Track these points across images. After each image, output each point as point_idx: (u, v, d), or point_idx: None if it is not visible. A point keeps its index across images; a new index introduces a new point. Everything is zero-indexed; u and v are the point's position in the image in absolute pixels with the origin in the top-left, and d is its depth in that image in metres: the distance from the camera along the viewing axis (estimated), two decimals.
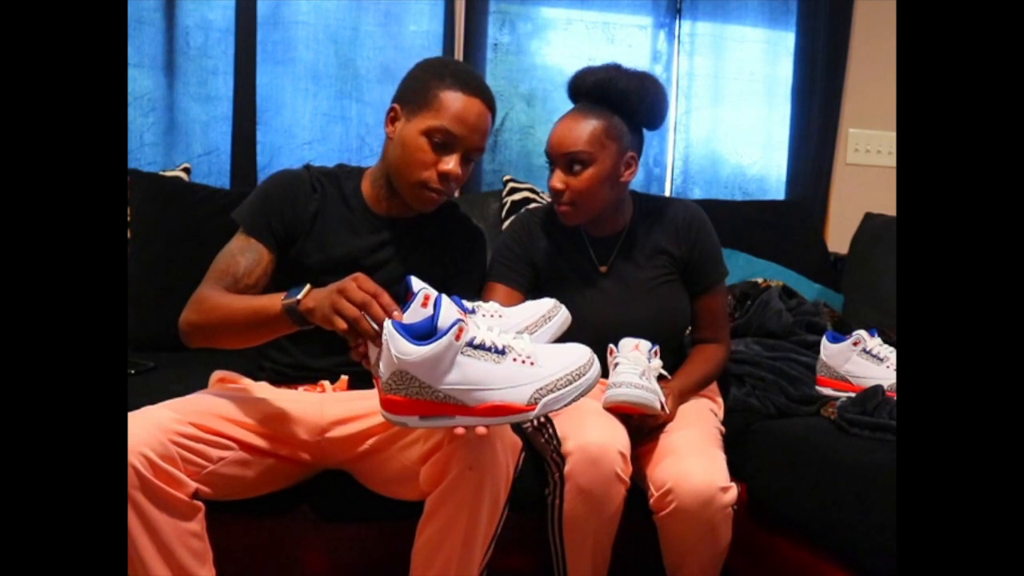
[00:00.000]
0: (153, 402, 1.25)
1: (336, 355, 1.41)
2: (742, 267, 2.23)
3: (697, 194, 2.65)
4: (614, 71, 1.50)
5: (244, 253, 1.38)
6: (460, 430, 1.05)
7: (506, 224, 2.16)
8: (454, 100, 1.34)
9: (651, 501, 1.36)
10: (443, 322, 1.02)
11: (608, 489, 1.32)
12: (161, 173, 2.08)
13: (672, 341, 1.62)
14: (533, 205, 2.13)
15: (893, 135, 2.71)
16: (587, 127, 1.47)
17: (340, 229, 1.43)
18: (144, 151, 2.29)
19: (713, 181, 2.67)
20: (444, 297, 1.07)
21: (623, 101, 1.48)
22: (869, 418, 1.46)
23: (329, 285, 1.12)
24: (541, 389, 1.04)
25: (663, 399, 1.42)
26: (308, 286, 1.17)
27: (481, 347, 1.03)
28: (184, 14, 2.30)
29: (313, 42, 2.37)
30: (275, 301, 1.18)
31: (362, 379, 1.41)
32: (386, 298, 1.09)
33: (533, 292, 1.61)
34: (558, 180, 1.48)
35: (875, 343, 1.66)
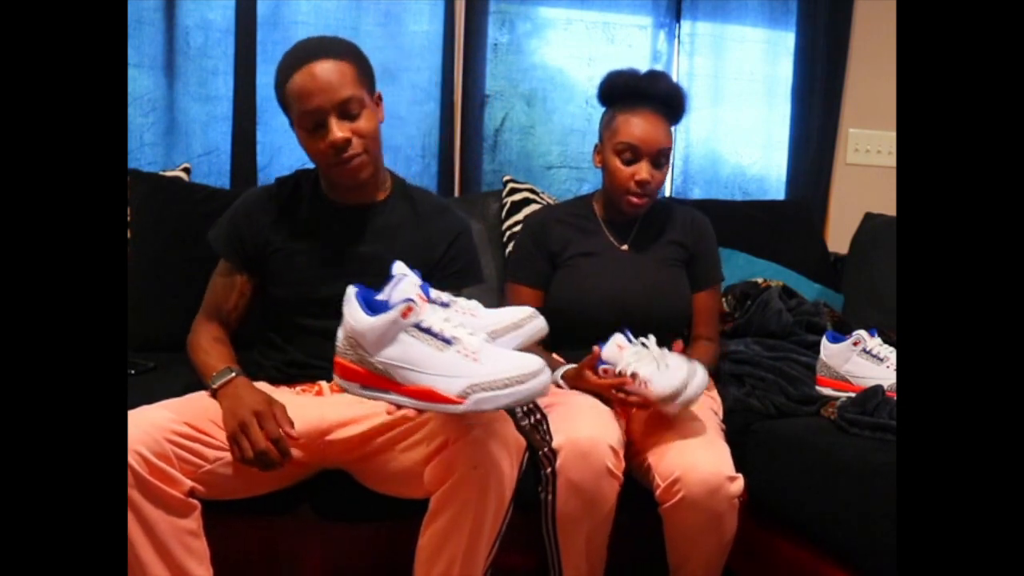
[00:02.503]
0: (153, 402, 1.25)
1: (332, 352, 1.41)
2: (742, 267, 2.23)
3: (697, 194, 2.64)
4: (669, 78, 1.68)
5: (222, 276, 1.46)
6: (392, 408, 1.08)
7: (507, 223, 2.16)
8: (295, 84, 1.33)
9: (657, 492, 1.36)
10: (395, 298, 1.06)
11: (599, 483, 1.33)
12: (161, 173, 2.08)
13: (678, 322, 1.70)
14: (536, 207, 2.13)
15: (893, 135, 2.71)
16: (666, 127, 1.63)
17: (302, 223, 1.45)
18: (144, 151, 2.29)
19: (713, 181, 2.67)
20: (410, 278, 1.10)
21: (680, 107, 1.66)
22: (869, 418, 1.46)
23: (241, 403, 1.23)
24: (475, 385, 1.03)
25: (690, 368, 1.39)
26: (232, 374, 1.29)
27: (428, 331, 1.06)
28: (184, 14, 2.29)
29: None
30: (212, 371, 1.32)
31: None
32: (288, 439, 1.22)
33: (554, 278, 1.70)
34: (648, 172, 1.60)
35: (875, 343, 1.66)
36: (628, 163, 1.61)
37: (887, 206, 2.39)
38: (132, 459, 1.10)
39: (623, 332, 1.44)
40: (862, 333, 1.66)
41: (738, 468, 1.57)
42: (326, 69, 1.32)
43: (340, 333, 1.08)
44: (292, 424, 1.26)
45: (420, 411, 1.07)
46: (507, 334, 1.26)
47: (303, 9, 2.35)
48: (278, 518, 1.41)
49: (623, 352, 1.41)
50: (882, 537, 1.24)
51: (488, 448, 1.16)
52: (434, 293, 1.18)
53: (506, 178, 2.28)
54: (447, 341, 1.06)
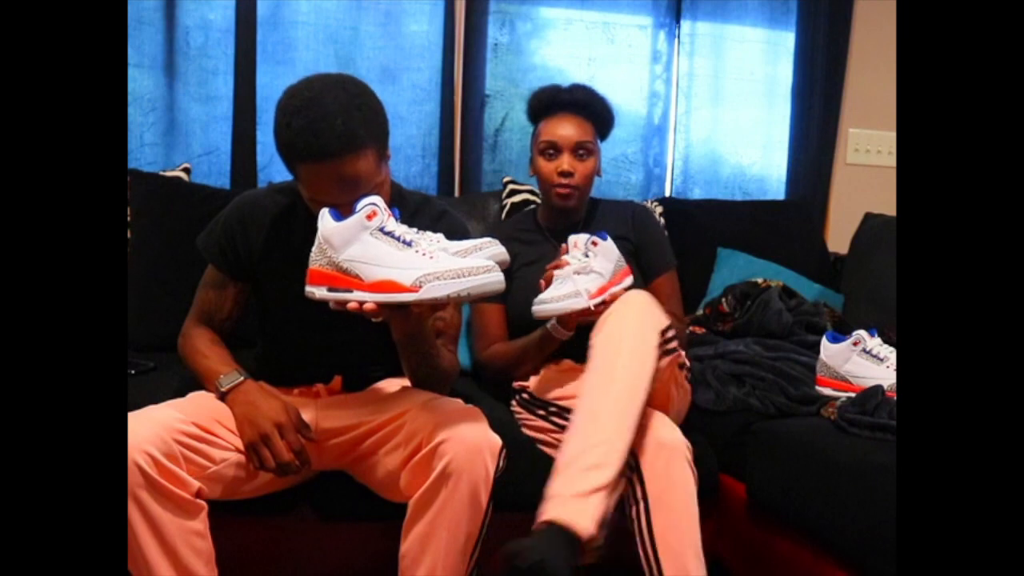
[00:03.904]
0: (153, 402, 1.25)
1: (330, 355, 1.42)
2: (742, 267, 2.23)
3: (697, 194, 2.65)
4: (589, 89, 1.75)
5: (214, 287, 1.42)
6: (354, 304, 1.12)
7: None
8: (308, 175, 1.23)
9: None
10: (360, 205, 1.15)
11: (683, 473, 1.32)
12: (161, 173, 2.08)
13: None
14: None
15: (893, 135, 2.71)
16: (587, 125, 1.71)
17: (299, 232, 1.37)
18: (144, 151, 2.29)
19: (713, 181, 2.67)
20: (377, 197, 1.17)
21: (605, 114, 1.75)
22: (869, 418, 1.46)
23: (259, 413, 1.23)
24: (428, 275, 1.11)
25: (586, 292, 1.43)
26: (241, 378, 1.28)
27: (391, 235, 1.15)
28: (184, 14, 2.30)
29: (313, 42, 2.37)
30: (217, 375, 1.30)
31: (356, 380, 1.43)
32: (304, 453, 1.24)
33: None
34: (569, 164, 1.68)
35: (875, 343, 1.66)
36: (551, 158, 1.70)
37: (887, 206, 2.40)
38: (141, 459, 1.10)
39: (599, 235, 1.50)
40: (862, 333, 1.66)
41: (738, 468, 1.58)
42: (348, 172, 1.20)
43: (314, 246, 1.15)
44: (310, 428, 1.27)
45: (379, 305, 1.12)
46: (468, 256, 1.27)
47: (303, 9, 2.35)
48: (279, 518, 1.42)
49: (575, 251, 1.49)
50: (882, 537, 1.24)
51: (459, 451, 1.17)
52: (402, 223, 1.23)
53: (506, 179, 2.28)
54: (407, 243, 1.15)
